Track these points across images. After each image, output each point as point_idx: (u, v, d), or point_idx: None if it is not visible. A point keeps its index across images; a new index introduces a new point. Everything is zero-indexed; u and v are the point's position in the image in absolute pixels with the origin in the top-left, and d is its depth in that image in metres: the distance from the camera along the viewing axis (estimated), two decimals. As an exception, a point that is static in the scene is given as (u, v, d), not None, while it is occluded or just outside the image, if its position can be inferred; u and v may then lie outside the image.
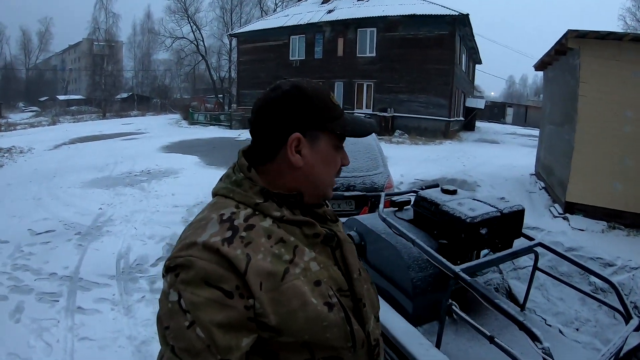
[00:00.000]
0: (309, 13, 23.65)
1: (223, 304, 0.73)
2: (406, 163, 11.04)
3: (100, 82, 40.89)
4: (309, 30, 22.71)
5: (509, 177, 9.82)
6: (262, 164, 0.89)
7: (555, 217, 6.94)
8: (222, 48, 38.31)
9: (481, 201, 2.30)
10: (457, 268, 1.82)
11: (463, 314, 1.72)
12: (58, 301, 3.76)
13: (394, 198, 2.55)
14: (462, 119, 24.05)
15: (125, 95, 43.71)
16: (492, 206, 2.24)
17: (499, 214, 2.20)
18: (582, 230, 6.36)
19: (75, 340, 3.21)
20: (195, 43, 35.99)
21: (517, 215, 2.31)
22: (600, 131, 7.01)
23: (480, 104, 26.08)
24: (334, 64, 21.93)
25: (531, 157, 10.93)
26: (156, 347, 2.78)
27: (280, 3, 37.95)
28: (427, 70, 19.21)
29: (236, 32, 27.85)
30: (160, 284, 3.87)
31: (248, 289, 0.75)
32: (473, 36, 22.35)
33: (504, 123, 34.13)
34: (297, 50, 23.63)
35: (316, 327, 0.81)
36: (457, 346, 2.01)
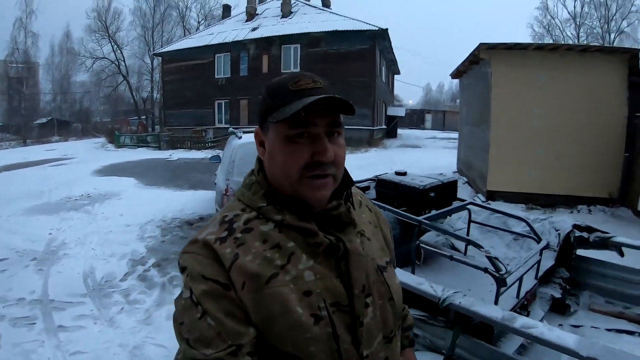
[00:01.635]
0: (233, 31, 23.94)
1: (223, 295, 0.77)
2: None
3: (19, 107, 38.14)
4: (234, 48, 22.98)
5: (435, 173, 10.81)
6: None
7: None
8: (143, 68, 37.20)
9: (427, 177, 3.48)
10: (420, 218, 2.69)
11: (428, 246, 2.62)
12: (35, 323, 3.74)
13: (359, 184, 3.52)
14: (385, 127, 25.43)
15: (44, 120, 40.61)
16: (435, 178, 3.44)
17: (440, 182, 3.40)
18: (504, 215, 7.32)
19: (67, 356, 3.26)
20: (117, 63, 34.68)
21: (453, 184, 3.62)
22: (512, 127, 8.15)
23: (400, 112, 27.83)
24: (260, 81, 22.23)
25: (452, 157, 12.03)
26: (150, 351, 3.01)
27: (203, 21, 37.78)
28: (350, 83, 20.23)
29: (160, 51, 27.39)
30: (134, 297, 4.04)
31: (233, 285, 0.78)
32: (392, 49, 23.90)
33: (424, 128, 36.53)
34: (222, 68, 23.79)
35: (299, 338, 0.79)
36: (425, 274, 2.64)
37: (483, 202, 6.17)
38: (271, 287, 0.79)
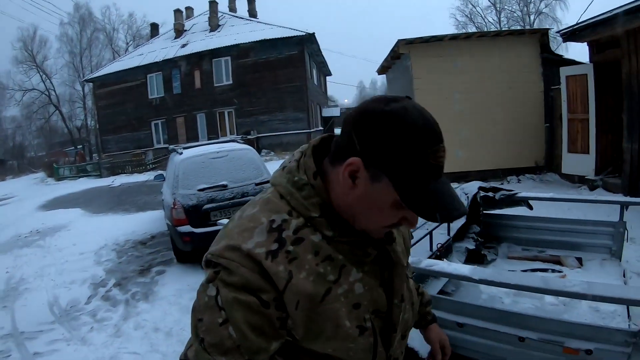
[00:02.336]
0: (163, 49, 23.91)
1: (258, 311, 0.74)
2: None
3: None
4: (165, 66, 22.97)
5: None
6: (330, 165, 0.82)
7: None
8: (74, 95, 35.90)
9: None
10: None
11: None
12: (10, 355, 3.93)
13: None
14: (322, 128, 26.21)
15: None
16: None
17: None
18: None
19: None
20: (47, 93, 33.43)
21: None
22: (436, 113, 8.84)
23: (335, 112, 28.73)
24: (193, 97, 22.57)
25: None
26: (124, 358, 3.42)
27: (131, 42, 37.02)
28: (282, 89, 20.98)
29: (91, 77, 26.81)
30: (101, 315, 4.38)
31: (284, 306, 0.76)
32: (320, 51, 24.75)
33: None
34: (155, 87, 23.72)
35: (342, 346, 0.81)
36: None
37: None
38: (325, 304, 0.78)
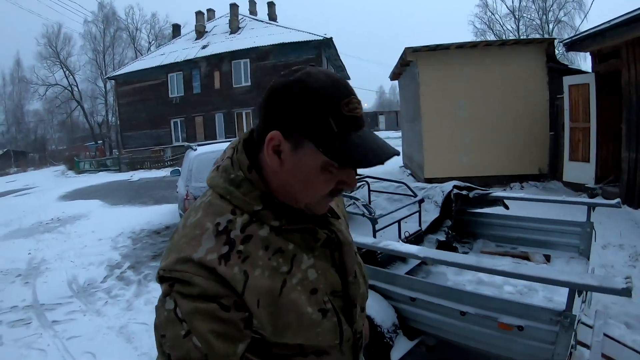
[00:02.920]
0: (184, 50, 24.53)
1: (220, 317, 0.73)
2: None
3: None
4: (185, 66, 23.58)
5: (385, 170, 11.78)
6: (260, 153, 0.82)
7: (418, 191, 9.04)
8: (96, 92, 37.02)
9: None
10: None
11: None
12: (31, 322, 4.39)
13: None
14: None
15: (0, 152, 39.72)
16: None
17: None
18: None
19: (64, 340, 3.96)
20: (70, 89, 34.58)
21: None
22: (441, 120, 9.28)
23: None
24: (213, 97, 23.11)
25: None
26: (134, 328, 3.85)
27: (154, 42, 37.98)
28: None
29: (114, 74, 27.60)
30: (115, 292, 4.82)
31: (245, 306, 0.76)
32: (338, 56, 25.05)
33: (378, 130, 37.76)
34: (175, 87, 24.33)
35: (310, 334, 0.83)
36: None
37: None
38: (284, 297, 0.79)
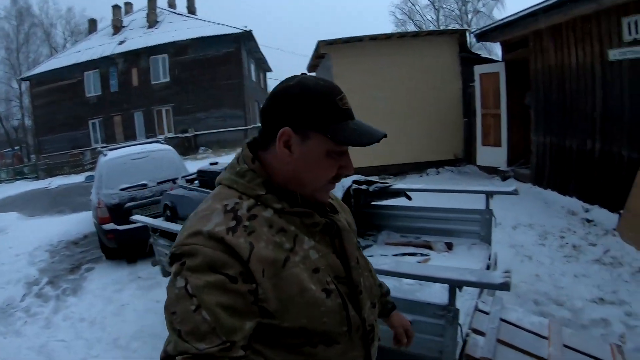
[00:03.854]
0: (100, 46, 23.22)
1: (228, 289, 0.77)
2: None
3: None
4: (102, 64, 22.36)
5: None
6: (262, 152, 0.93)
7: (337, 181, 9.38)
8: (10, 93, 33.87)
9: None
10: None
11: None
12: None
13: (187, 177, 4.45)
14: (260, 125, 26.46)
15: None
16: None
17: None
18: (359, 186, 8.67)
19: None
20: None
21: None
22: (356, 111, 9.41)
23: None
24: (131, 95, 22.15)
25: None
26: (53, 346, 3.73)
27: (69, 38, 35.11)
28: (219, 86, 21.08)
29: (27, 75, 25.45)
30: (34, 310, 4.62)
31: (251, 275, 0.79)
32: (259, 48, 24.81)
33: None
34: (92, 86, 23.00)
35: (314, 312, 0.86)
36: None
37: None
38: (287, 269, 0.84)
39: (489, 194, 3.42)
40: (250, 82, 24.51)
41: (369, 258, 3.10)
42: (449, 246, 3.55)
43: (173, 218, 4.17)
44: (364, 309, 0.97)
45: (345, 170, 0.94)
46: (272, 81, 36.89)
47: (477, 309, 2.61)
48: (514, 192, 3.36)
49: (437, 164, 9.55)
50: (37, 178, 20.36)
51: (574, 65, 6.07)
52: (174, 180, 4.92)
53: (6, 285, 5.59)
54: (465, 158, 9.52)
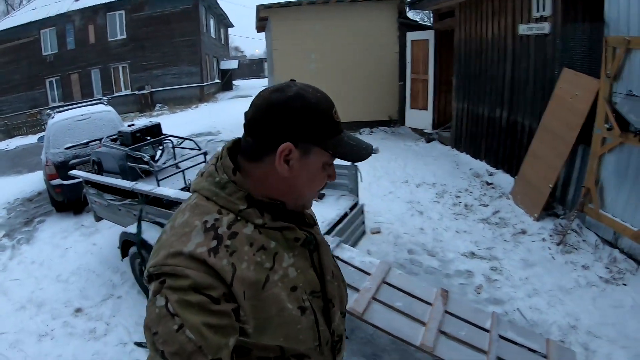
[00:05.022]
0: (57, 3, 22.38)
1: (211, 309, 0.75)
2: (165, 130, 12.86)
3: None
4: (59, 21, 21.66)
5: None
6: (249, 163, 0.89)
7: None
8: None
9: (143, 125, 5.09)
10: (126, 149, 4.55)
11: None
12: None
13: (111, 137, 5.10)
14: (218, 81, 26.42)
15: None
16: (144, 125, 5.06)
17: (144, 127, 4.99)
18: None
19: None
20: None
21: (156, 126, 5.15)
22: (292, 72, 9.50)
23: (233, 64, 28.74)
24: (88, 52, 21.73)
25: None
26: (8, 284, 4.48)
27: (25, -5, 33.47)
28: (176, 43, 21.07)
29: None
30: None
31: (233, 297, 0.79)
32: (218, 4, 24.58)
33: (264, 77, 37.40)
34: (49, 44, 22.29)
35: (291, 331, 0.87)
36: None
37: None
38: (267, 290, 0.83)
39: None
40: (209, 39, 24.44)
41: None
42: (320, 196, 4.16)
43: (99, 171, 4.84)
44: (334, 322, 1.00)
45: (331, 178, 0.96)
46: (234, 37, 36.28)
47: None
48: (373, 152, 3.96)
49: (372, 124, 10.02)
50: (-5, 139, 20.16)
51: (490, 37, 6.43)
52: (100, 140, 5.48)
53: None
54: (399, 120, 10.00)
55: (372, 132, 9.94)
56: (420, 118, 9.23)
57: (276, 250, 0.88)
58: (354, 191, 4.18)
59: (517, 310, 3.29)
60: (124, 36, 21.56)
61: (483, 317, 2.62)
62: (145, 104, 20.82)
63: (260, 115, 0.85)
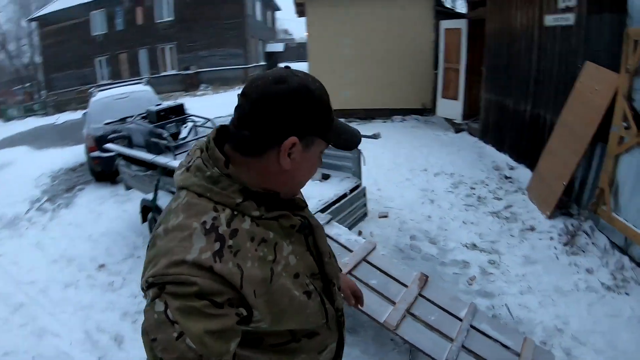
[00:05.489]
0: (106, -15, 23.46)
1: (212, 314, 0.73)
2: (205, 110, 13.21)
3: None
4: (108, 3, 22.73)
5: None
6: (244, 157, 0.85)
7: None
8: (20, 32, 34.22)
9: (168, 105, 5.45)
10: (151, 125, 4.98)
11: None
12: None
13: (142, 114, 5.39)
14: (264, 63, 26.75)
15: None
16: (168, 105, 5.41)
17: (168, 107, 5.40)
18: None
19: None
20: None
21: (179, 106, 5.48)
22: (326, 57, 10.01)
23: (279, 47, 29.02)
24: (136, 33, 22.72)
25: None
26: (45, 241, 4.98)
27: (77, -24, 34.98)
28: (222, 25, 21.72)
29: (36, 15, 25.95)
30: (34, 220, 6.00)
31: (244, 300, 0.77)
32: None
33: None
34: (98, 25, 23.62)
35: (301, 316, 0.89)
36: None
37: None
38: (274, 284, 0.83)
39: None
40: (254, 21, 24.82)
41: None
42: (326, 177, 4.36)
43: (130, 145, 5.25)
44: (337, 299, 1.03)
45: (320, 163, 0.96)
46: (284, 20, 36.48)
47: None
48: (374, 137, 3.87)
49: (405, 112, 9.96)
50: (46, 114, 21.48)
51: (518, 27, 6.19)
52: (131, 117, 5.93)
53: (15, 204, 6.85)
54: (433, 109, 9.82)
55: (404, 119, 9.83)
56: (450, 108, 9.08)
57: (275, 241, 0.87)
58: (357, 174, 4.29)
59: (505, 306, 3.23)
60: (171, 18, 22.39)
61: (459, 305, 2.63)
62: (190, 84, 21.63)
63: (261, 109, 0.80)
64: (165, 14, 22.46)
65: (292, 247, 0.91)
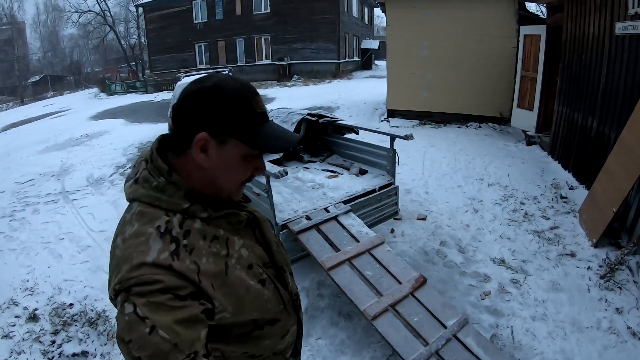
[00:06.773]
0: (208, -23, 25.06)
1: (177, 306, 0.78)
2: (290, 100, 13.97)
3: (12, 68, 37.72)
4: (209, -6, 24.28)
5: (367, 102, 12.74)
6: (177, 158, 0.90)
7: (382, 121, 10.15)
8: (129, 15, 37.56)
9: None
10: None
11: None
12: (59, 201, 6.39)
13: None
14: (358, 59, 27.07)
15: (37, 77, 40.54)
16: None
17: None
18: (397, 126, 9.42)
19: (78, 208, 5.96)
20: (102, 14, 34.81)
21: None
22: (404, 58, 9.88)
23: (374, 44, 28.97)
24: (234, 23, 24.11)
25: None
26: (121, 201, 6.39)
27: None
28: (316, 20, 22.25)
29: (141, 2, 28.54)
30: (116, 182, 7.02)
31: (204, 293, 0.83)
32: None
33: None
34: (199, 13, 25.32)
35: (260, 303, 0.96)
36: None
37: (384, 119, 7.25)
38: (230, 276, 0.90)
39: (393, 137, 4.20)
40: (349, 18, 25.15)
41: (309, 172, 4.68)
42: (362, 172, 4.51)
43: None
44: (289, 284, 1.10)
45: (259, 171, 0.96)
46: (378, 18, 36.49)
47: (325, 209, 3.59)
48: (405, 138, 3.97)
49: (481, 119, 9.50)
50: (146, 92, 23.49)
51: (590, 35, 5.66)
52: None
53: (102, 167, 7.99)
54: (510, 118, 9.08)
55: (479, 126, 9.44)
56: (525, 118, 8.54)
57: (227, 237, 0.93)
58: (391, 172, 4.34)
59: (510, 328, 3.05)
60: (268, 10, 23.54)
61: (449, 314, 2.60)
62: (282, 74, 22.74)
63: (180, 107, 0.87)
64: (263, 7, 23.60)
65: (243, 241, 0.98)
